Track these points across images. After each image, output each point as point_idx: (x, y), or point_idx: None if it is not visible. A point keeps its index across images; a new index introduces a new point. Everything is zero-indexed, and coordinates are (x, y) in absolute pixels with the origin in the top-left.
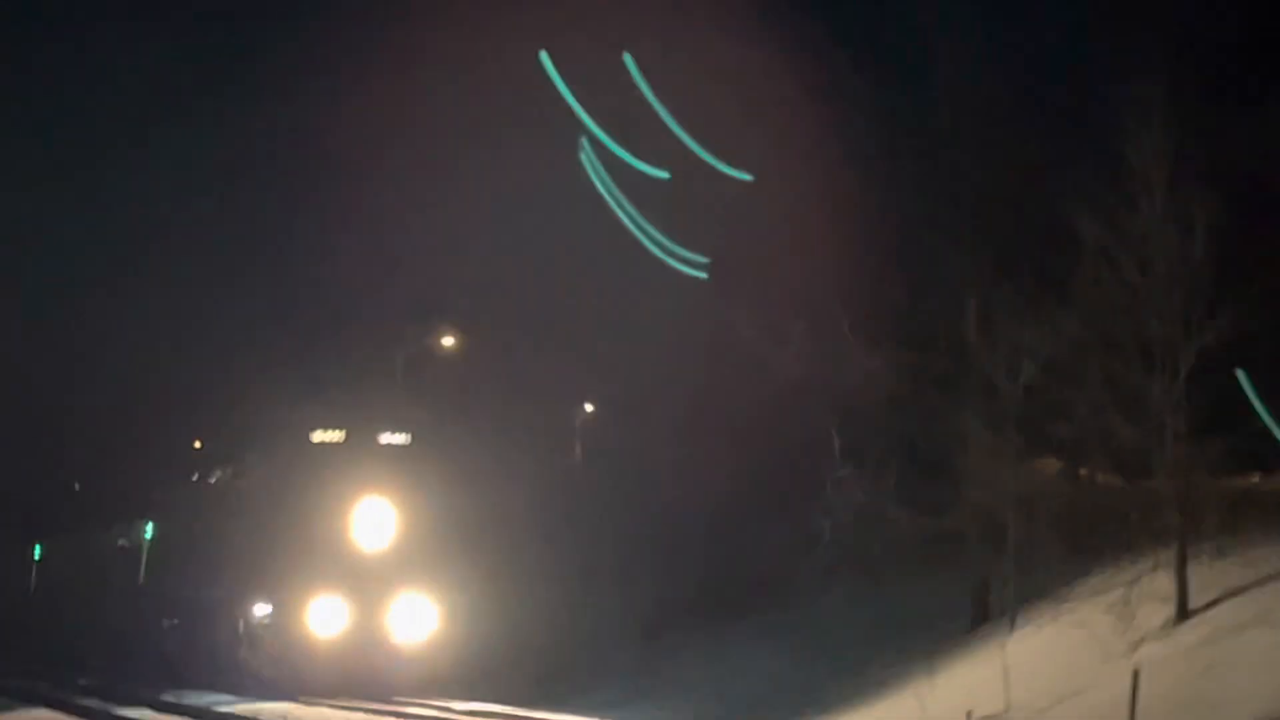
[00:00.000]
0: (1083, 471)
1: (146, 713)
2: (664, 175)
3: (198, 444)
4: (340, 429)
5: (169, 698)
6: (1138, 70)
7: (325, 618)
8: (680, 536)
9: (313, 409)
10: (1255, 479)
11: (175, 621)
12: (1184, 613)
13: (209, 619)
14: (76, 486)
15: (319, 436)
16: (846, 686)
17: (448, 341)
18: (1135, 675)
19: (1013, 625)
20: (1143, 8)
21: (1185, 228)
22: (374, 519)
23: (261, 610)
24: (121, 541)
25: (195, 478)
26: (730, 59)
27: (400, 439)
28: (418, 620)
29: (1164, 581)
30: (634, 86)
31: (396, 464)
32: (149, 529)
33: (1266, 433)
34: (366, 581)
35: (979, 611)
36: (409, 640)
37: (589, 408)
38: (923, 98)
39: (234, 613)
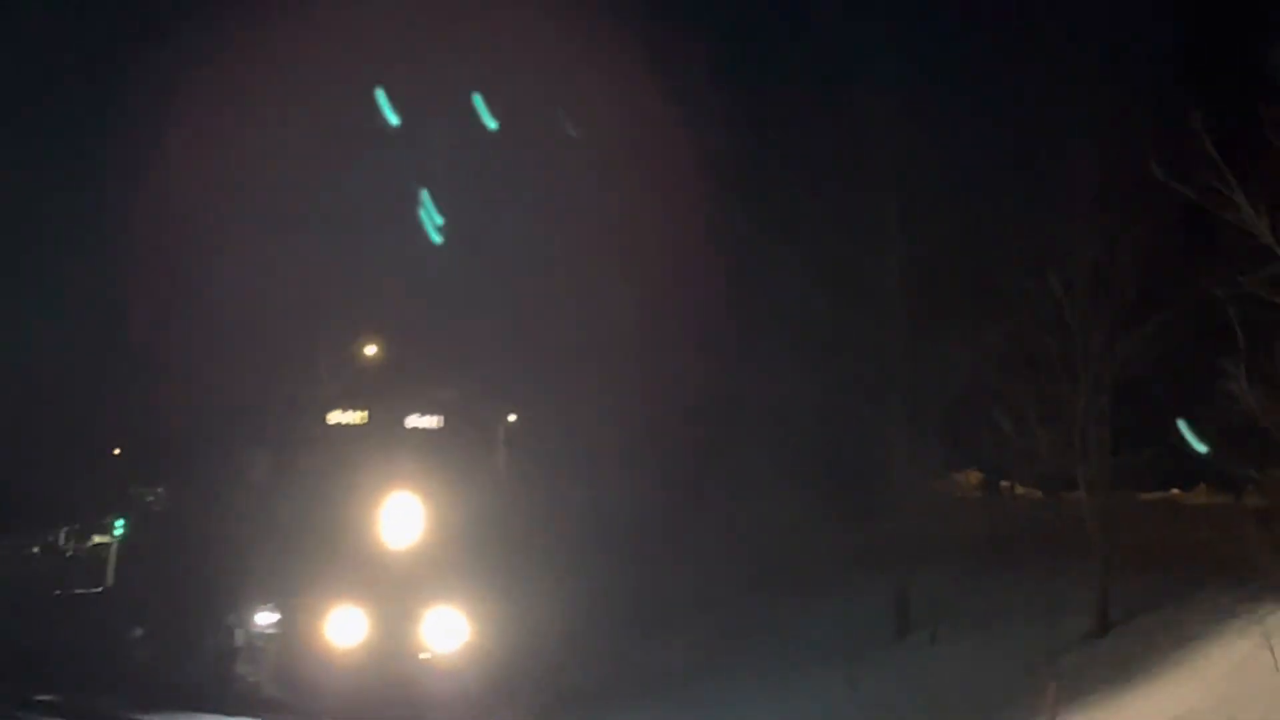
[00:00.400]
0: (1005, 484)
1: None
2: None
3: (117, 452)
4: (361, 409)
5: (152, 718)
6: (1065, 85)
7: (345, 627)
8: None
9: (329, 385)
10: (1176, 492)
11: (144, 631)
12: (1105, 625)
13: (194, 628)
14: None
15: (336, 418)
16: (772, 700)
17: (370, 350)
18: (1054, 687)
19: (934, 637)
20: (1076, 26)
21: (1110, 242)
22: (401, 515)
23: (265, 619)
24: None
25: (182, 467)
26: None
27: (432, 423)
28: (451, 631)
29: (1085, 593)
30: None
31: (427, 452)
32: (119, 527)
33: (1187, 447)
34: (392, 586)
35: (901, 623)
36: (442, 654)
37: (512, 417)
38: (845, 100)
39: (229, 621)
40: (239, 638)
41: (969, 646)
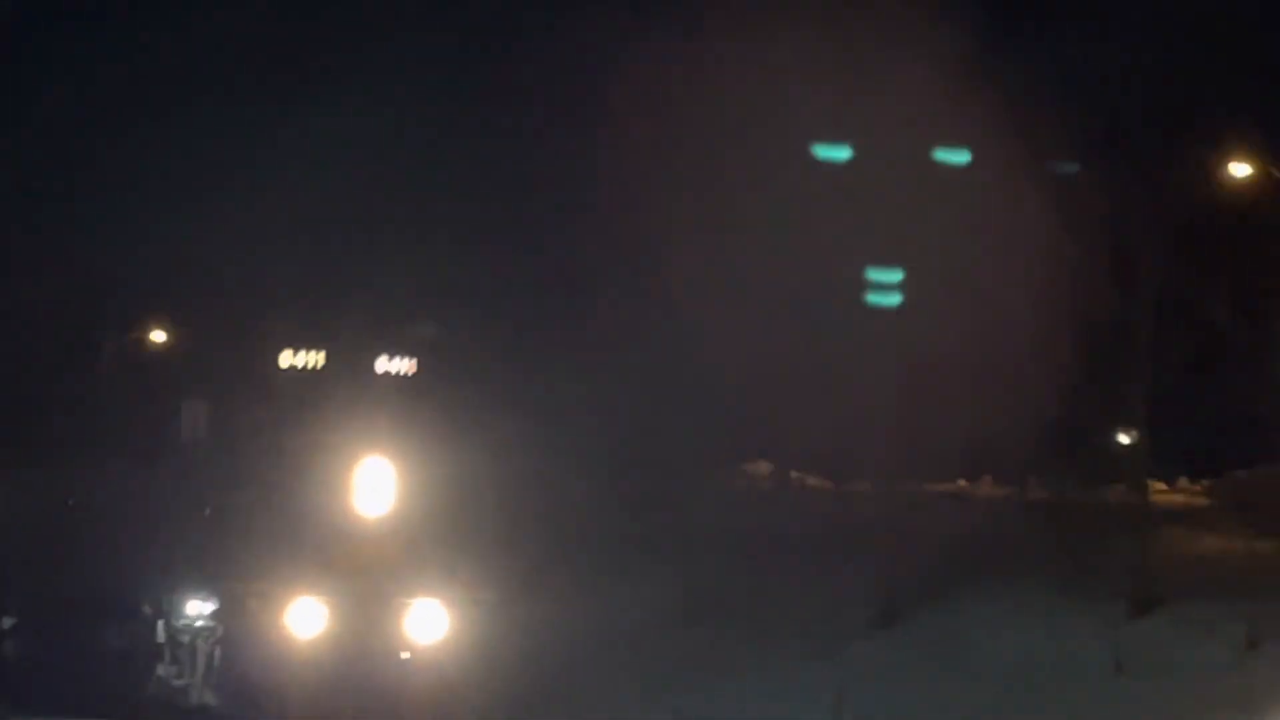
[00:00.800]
0: (793, 474)
1: None
2: None
3: None
4: (319, 349)
5: None
6: None
7: (302, 619)
8: None
9: (281, 320)
10: (962, 484)
11: (14, 622)
12: (891, 617)
13: (92, 620)
14: None
15: (290, 359)
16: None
17: (157, 337)
18: (839, 684)
19: (722, 626)
20: None
21: None
22: (370, 481)
23: (197, 609)
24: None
25: (89, 425)
26: None
27: (405, 366)
28: (430, 623)
29: (873, 583)
30: None
31: (400, 403)
32: None
33: (976, 440)
34: (359, 568)
35: (688, 611)
36: (422, 650)
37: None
38: None
39: (146, 612)
40: (160, 632)
41: (754, 633)
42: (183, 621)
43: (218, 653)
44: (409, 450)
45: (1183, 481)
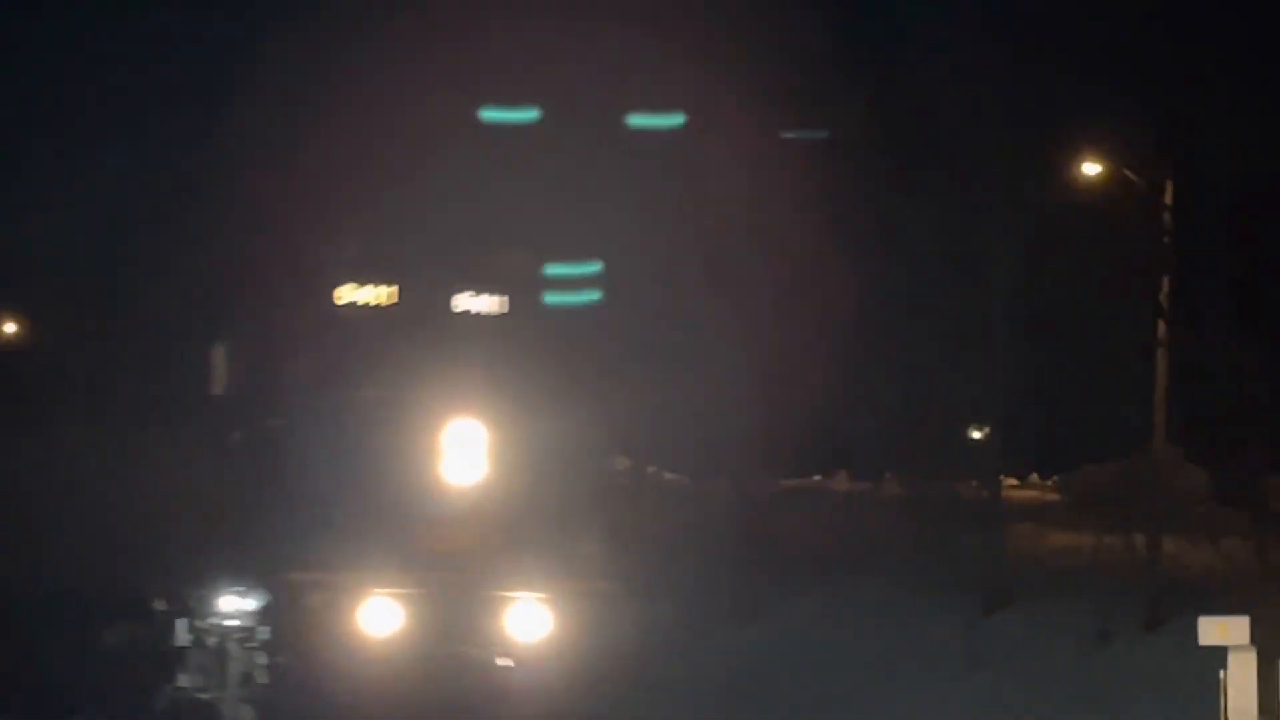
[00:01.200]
0: (650, 470)
1: None
2: None
3: None
4: (387, 282)
5: None
6: None
7: (376, 620)
8: None
9: (341, 248)
10: (818, 478)
11: None
12: (747, 612)
13: (88, 615)
14: None
15: (351, 294)
16: None
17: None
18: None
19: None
20: None
21: None
22: (455, 447)
23: (234, 605)
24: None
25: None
26: None
27: (492, 304)
28: (532, 623)
29: (729, 581)
30: None
31: (488, 348)
32: None
33: (832, 435)
34: (444, 557)
35: None
36: (523, 656)
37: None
38: None
39: (159, 607)
40: (181, 633)
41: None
42: (211, 620)
43: (260, 659)
44: (501, 408)
45: (1034, 477)
